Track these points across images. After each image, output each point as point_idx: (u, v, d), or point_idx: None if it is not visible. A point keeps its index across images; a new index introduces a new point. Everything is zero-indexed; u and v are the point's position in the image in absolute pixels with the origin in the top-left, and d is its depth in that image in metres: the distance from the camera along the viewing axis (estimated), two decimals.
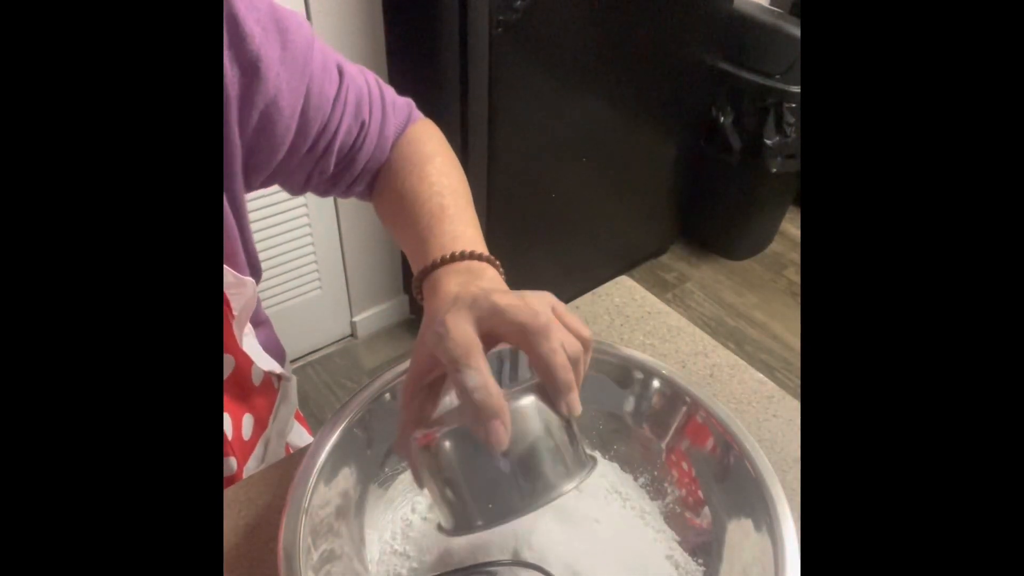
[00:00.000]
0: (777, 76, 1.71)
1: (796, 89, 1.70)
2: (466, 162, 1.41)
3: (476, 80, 1.28)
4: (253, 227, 0.58)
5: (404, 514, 0.50)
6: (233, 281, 0.47)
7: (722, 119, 1.81)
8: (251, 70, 0.44)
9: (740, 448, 0.45)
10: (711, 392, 0.62)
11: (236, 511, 0.49)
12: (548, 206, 1.59)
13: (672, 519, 0.50)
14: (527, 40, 1.27)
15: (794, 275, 2.00)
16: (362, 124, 0.53)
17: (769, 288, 1.96)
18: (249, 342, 0.56)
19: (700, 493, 0.48)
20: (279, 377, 0.60)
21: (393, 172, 0.55)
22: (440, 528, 0.38)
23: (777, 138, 1.76)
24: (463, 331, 0.36)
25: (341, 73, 0.52)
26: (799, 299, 1.76)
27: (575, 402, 0.37)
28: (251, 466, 0.58)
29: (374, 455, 0.48)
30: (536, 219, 1.59)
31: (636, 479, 0.52)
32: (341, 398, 1.53)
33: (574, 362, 0.37)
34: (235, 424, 0.54)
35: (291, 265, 1.49)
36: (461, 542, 0.45)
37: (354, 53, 1.32)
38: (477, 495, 0.36)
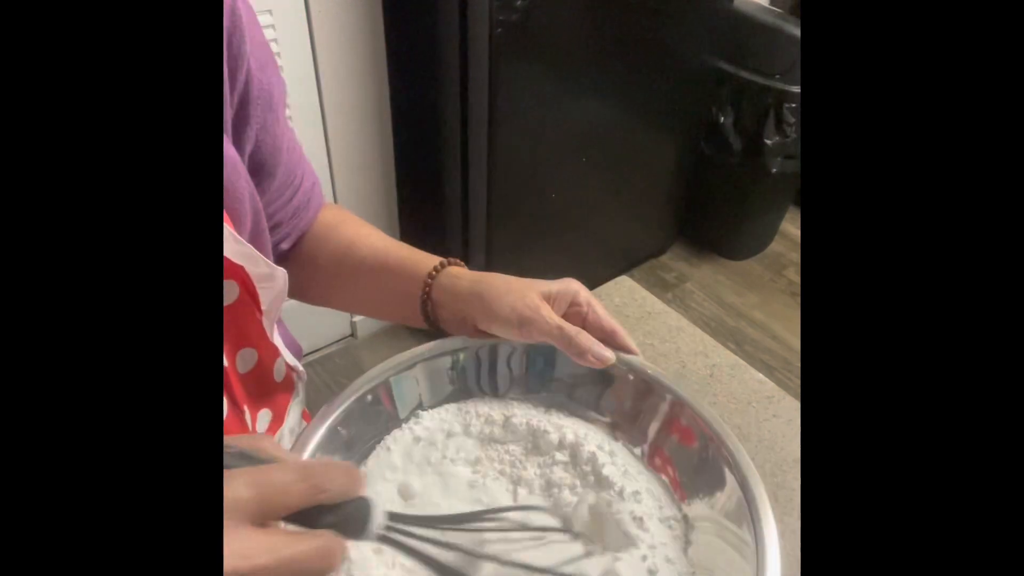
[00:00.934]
0: (777, 76, 1.71)
1: (796, 89, 1.70)
2: (466, 162, 1.41)
3: (476, 80, 1.28)
4: None
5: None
6: (266, 272, 0.47)
7: (722, 119, 1.81)
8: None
9: (722, 447, 0.45)
10: (711, 392, 0.62)
11: None
12: (548, 206, 1.59)
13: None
14: (527, 40, 1.27)
15: (794, 275, 2.00)
16: (313, 180, 0.60)
17: (769, 288, 1.96)
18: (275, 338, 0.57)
19: (683, 491, 0.48)
20: (296, 373, 0.61)
21: (331, 226, 0.61)
22: None
23: (777, 138, 1.76)
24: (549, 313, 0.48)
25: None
26: (799, 299, 1.76)
27: (593, 352, 0.47)
28: None
29: (355, 455, 0.49)
30: (536, 219, 1.59)
31: None
32: None
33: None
34: (251, 418, 0.55)
35: None
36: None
37: (354, 53, 1.32)
38: None
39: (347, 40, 1.30)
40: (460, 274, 0.53)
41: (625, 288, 0.72)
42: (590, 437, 0.49)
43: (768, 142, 1.76)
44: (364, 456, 0.49)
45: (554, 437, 0.49)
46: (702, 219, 2.03)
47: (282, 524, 0.30)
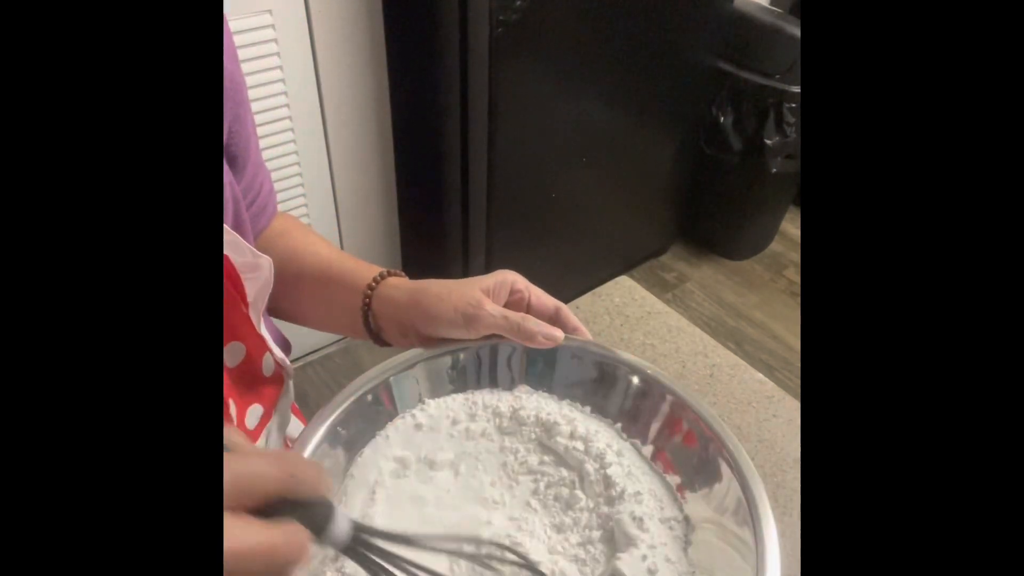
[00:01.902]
0: (777, 76, 1.71)
1: (796, 89, 1.70)
2: (466, 162, 1.41)
3: (476, 80, 1.28)
4: None
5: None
6: (251, 261, 0.47)
7: (722, 119, 1.81)
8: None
9: (722, 447, 0.45)
10: (711, 392, 0.62)
11: None
12: (548, 206, 1.59)
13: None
14: (527, 40, 1.27)
15: (794, 275, 2.00)
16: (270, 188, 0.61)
17: (769, 288, 1.96)
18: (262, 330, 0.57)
19: (683, 491, 0.48)
20: (284, 368, 0.61)
21: (279, 233, 0.62)
22: None
23: (777, 138, 1.76)
24: (492, 306, 0.48)
25: None
26: (799, 299, 1.76)
27: (542, 334, 0.48)
28: None
29: (355, 454, 0.49)
30: (536, 219, 1.59)
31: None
32: None
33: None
34: (239, 414, 0.55)
35: None
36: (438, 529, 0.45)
37: (354, 53, 1.32)
38: None
39: (347, 40, 1.30)
40: (398, 284, 0.53)
41: (625, 288, 0.72)
42: (600, 435, 0.49)
43: (768, 142, 1.76)
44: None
45: (565, 429, 0.49)
46: (702, 219, 2.03)
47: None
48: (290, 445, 0.64)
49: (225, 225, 0.43)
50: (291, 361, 0.58)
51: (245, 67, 1.18)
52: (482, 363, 0.52)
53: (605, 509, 0.45)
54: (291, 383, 0.63)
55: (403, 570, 0.33)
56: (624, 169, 1.70)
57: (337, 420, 0.47)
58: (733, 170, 1.85)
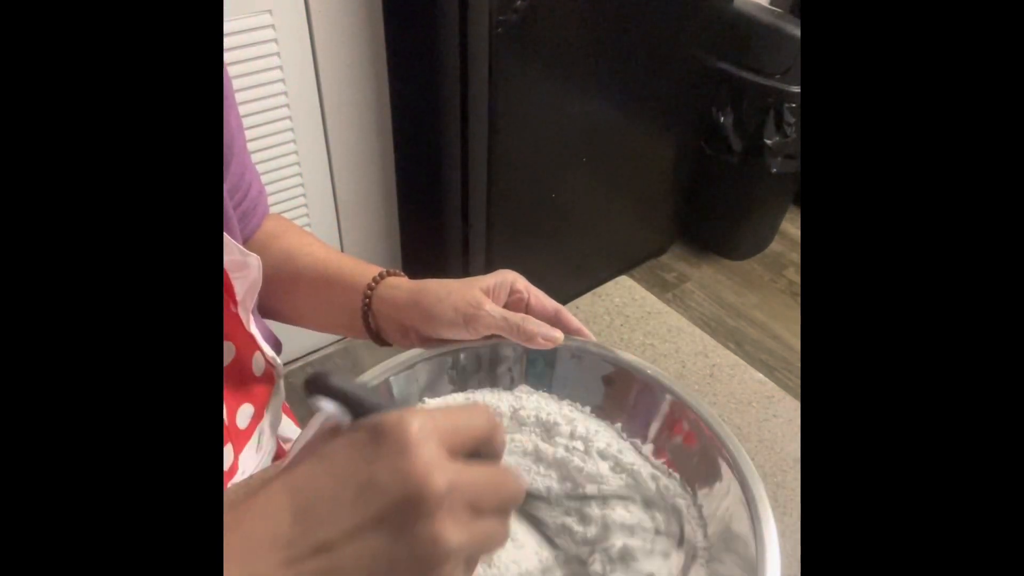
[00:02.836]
0: (777, 76, 1.71)
1: (796, 89, 1.70)
2: (466, 162, 1.41)
3: (476, 80, 1.28)
4: None
5: None
6: (238, 259, 0.47)
7: (722, 119, 1.81)
8: None
9: (722, 447, 0.45)
10: (711, 392, 0.62)
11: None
12: (548, 206, 1.59)
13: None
14: (527, 40, 1.27)
15: (794, 275, 2.00)
16: (260, 189, 0.60)
17: (769, 288, 1.96)
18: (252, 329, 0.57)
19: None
20: (275, 367, 0.61)
21: (273, 235, 0.61)
22: None
23: (777, 138, 1.76)
24: (492, 307, 0.48)
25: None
26: (799, 299, 1.76)
27: (542, 335, 0.48)
28: (248, 455, 0.58)
29: None
30: (536, 219, 1.59)
31: None
32: None
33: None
34: (230, 413, 0.55)
35: None
36: None
37: (354, 53, 1.32)
38: None
39: (347, 40, 1.30)
40: (398, 284, 0.53)
41: (625, 288, 0.72)
42: (600, 435, 0.49)
43: (768, 142, 1.76)
44: None
45: (565, 429, 0.49)
46: (702, 219, 2.03)
47: None
48: (283, 446, 0.64)
49: None
50: (290, 361, 0.58)
51: (245, 67, 1.18)
52: (482, 363, 0.52)
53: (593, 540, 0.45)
54: (282, 382, 0.62)
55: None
56: (624, 169, 1.70)
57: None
58: (733, 170, 1.85)
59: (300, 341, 1.61)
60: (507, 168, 1.42)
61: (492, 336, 0.50)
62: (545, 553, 0.42)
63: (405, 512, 0.25)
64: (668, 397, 0.49)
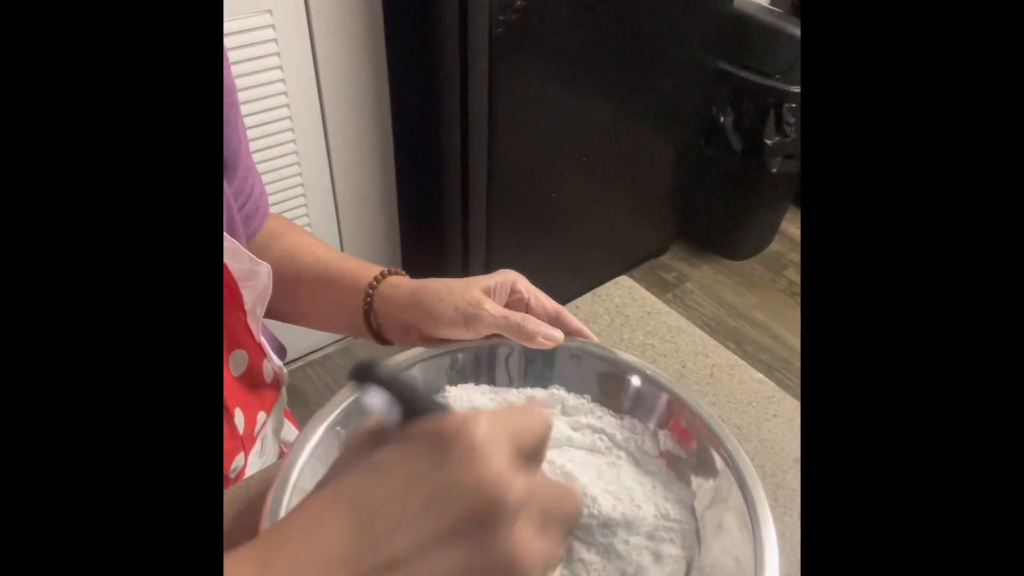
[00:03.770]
0: (777, 76, 1.71)
1: (796, 89, 1.70)
2: (466, 162, 1.41)
3: (476, 80, 1.28)
4: None
5: None
6: (248, 268, 0.47)
7: (722, 119, 1.81)
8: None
9: (721, 448, 0.45)
10: (711, 392, 0.62)
11: (236, 510, 0.49)
12: (548, 206, 1.59)
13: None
14: (527, 40, 1.27)
15: (794, 275, 2.00)
16: (261, 190, 0.61)
17: (769, 288, 1.96)
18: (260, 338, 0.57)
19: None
20: (280, 374, 0.61)
21: (274, 235, 0.61)
22: None
23: (777, 138, 1.76)
24: (493, 306, 0.48)
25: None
26: (799, 299, 1.76)
27: (542, 334, 0.48)
28: (252, 459, 0.58)
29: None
30: (536, 219, 1.59)
31: None
32: None
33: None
34: (248, 422, 0.55)
35: None
36: None
37: (354, 53, 1.32)
38: None
39: (347, 40, 1.30)
40: (400, 283, 0.53)
41: (625, 288, 0.72)
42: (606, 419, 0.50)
43: (768, 142, 1.76)
44: None
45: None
46: (702, 219, 2.03)
47: None
48: (285, 449, 0.64)
49: (225, 233, 0.43)
50: (289, 362, 0.58)
51: (245, 67, 1.18)
52: (481, 363, 0.52)
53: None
54: (285, 389, 0.63)
55: None
56: (624, 169, 1.70)
57: (336, 420, 0.46)
58: (733, 170, 1.85)
59: (299, 342, 1.61)
60: (507, 168, 1.42)
61: (492, 336, 0.50)
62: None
63: (482, 523, 0.24)
64: (668, 397, 0.49)
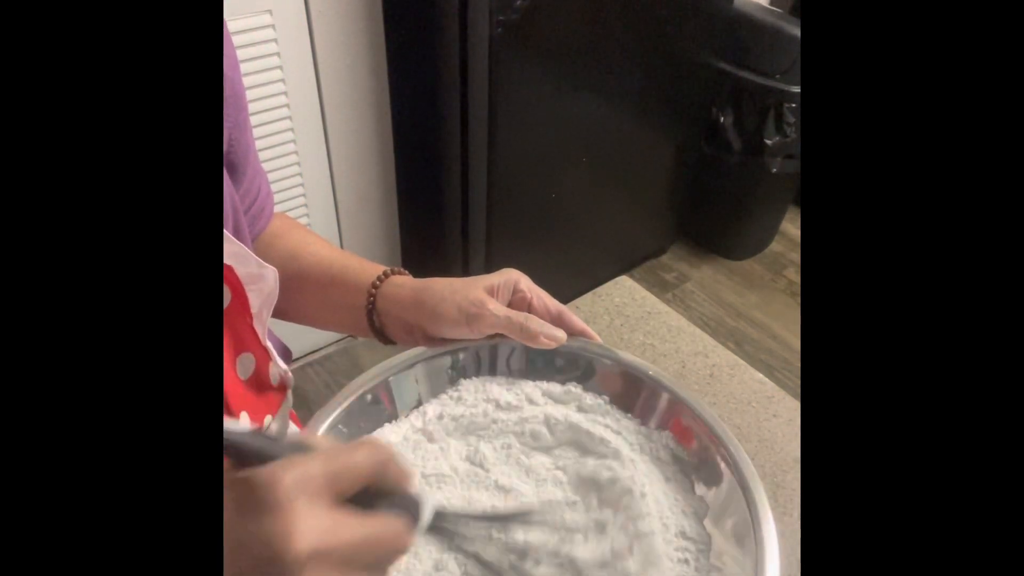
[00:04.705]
0: (777, 76, 1.71)
1: (796, 89, 1.70)
2: (466, 162, 1.41)
3: (476, 80, 1.28)
4: None
5: None
6: (255, 272, 0.47)
7: (722, 119, 1.81)
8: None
9: (722, 447, 0.45)
10: (711, 392, 0.62)
11: None
12: (548, 206, 1.59)
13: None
14: (527, 40, 1.27)
15: (794, 275, 2.00)
16: (267, 190, 0.60)
17: (769, 288, 1.96)
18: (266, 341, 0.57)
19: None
20: (286, 377, 0.61)
21: (277, 235, 0.61)
22: None
23: (777, 138, 1.76)
24: (495, 306, 0.48)
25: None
26: (799, 299, 1.76)
27: (545, 334, 0.48)
28: None
29: None
30: (536, 219, 1.59)
31: None
32: None
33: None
34: (255, 423, 0.55)
35: None
36: None
37: (354, 53, 1.32)
38: None
39: (347, 40, 1.30)
40: (403, 283, 0.53)
41: (625, 288, 0.72)
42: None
43: (768, 142, 1.76)
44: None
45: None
46: (702, 219, 2.03)
47: None
48: None
49: (231, 236, 0.43)
50: (290, 362, 0.58)
51: (245, 67, 1.18)
52: (481, 362, 0.52)
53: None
54: (290, 391, 0.63)
55: (482, 544, 0.36)
56: (624, 169, 1.70)
57: (337, 419, 0.47)
58: (733, 170, 1.85)
59: (300, 341, 1.61)
60: (507, 168, 1.42)
61: (495, 335, 0.50)
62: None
63: (267, 574, 0.25)
64: (668, 397, 0.49)
